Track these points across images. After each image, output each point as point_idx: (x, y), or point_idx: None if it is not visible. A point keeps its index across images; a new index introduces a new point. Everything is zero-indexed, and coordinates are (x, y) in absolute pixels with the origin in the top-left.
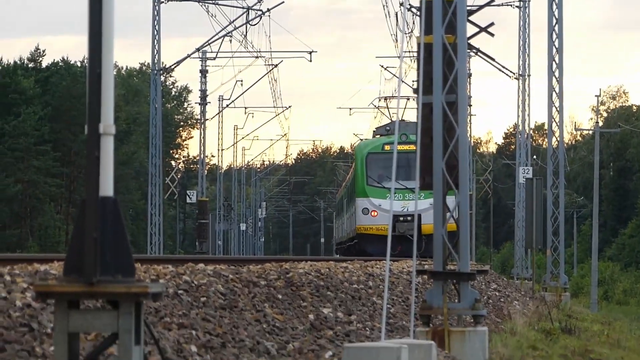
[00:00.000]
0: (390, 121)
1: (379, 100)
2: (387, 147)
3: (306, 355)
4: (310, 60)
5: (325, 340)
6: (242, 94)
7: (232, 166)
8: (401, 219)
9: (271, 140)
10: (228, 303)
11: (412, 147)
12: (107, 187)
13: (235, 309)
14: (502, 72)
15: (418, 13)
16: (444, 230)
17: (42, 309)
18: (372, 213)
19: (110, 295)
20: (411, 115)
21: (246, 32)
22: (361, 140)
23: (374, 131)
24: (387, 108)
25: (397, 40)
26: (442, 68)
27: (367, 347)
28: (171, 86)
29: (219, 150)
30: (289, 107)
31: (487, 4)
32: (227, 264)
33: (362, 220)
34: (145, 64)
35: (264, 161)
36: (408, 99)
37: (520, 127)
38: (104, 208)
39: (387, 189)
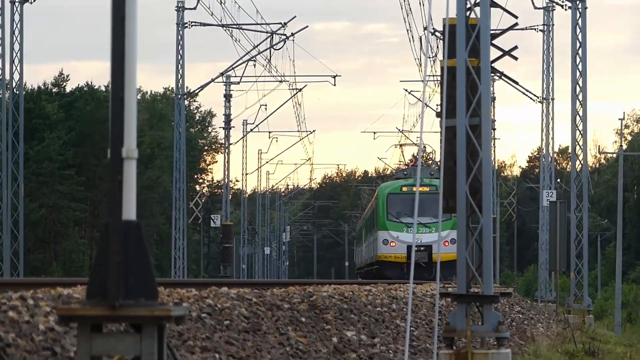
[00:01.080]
0: (406, 167)
1: (397, 146)
2: (404, 189)
3: None
4: (334, 85)
5: None
6: (266, 118)
7: (257, 190)
8: (415, 249)
9: (295, 164)
10: (251, 326)
11: (426, 188)
12: (130, 211)
13: (258, 332)
14: (526, 95)
15: (442, 37)
16: (468, 253)
17: (65, 333)
18: (391, 244)
19: (133, 318)
20: (435, 138)
21: (270, 57)
22: (383, 181)
23: (393, 175)
24: (402, 153)
25: (421, 65)
26: (465, 91)
27: None
28: (195, 111)
29: (243, 174)
30: (313, 131)
31: (511, 28)
32: (250, 288)
33: (382, 249)
34: (170, 88)
35: (288, 185)
36: (420, 148)
37: (544, 151)
38: (127, 232)
39: (404, 224)
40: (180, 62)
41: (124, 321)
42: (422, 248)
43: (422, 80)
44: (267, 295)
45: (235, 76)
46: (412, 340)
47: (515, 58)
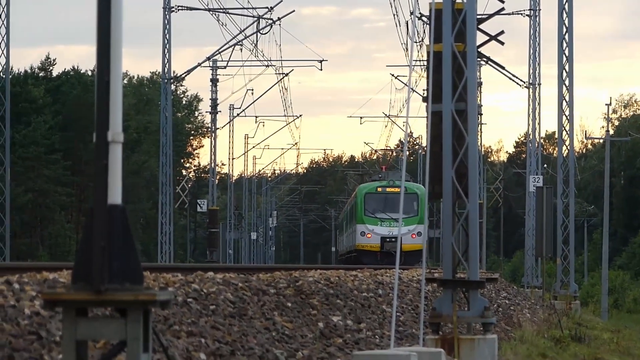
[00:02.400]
0: (381, 171)
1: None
2: (379, 189)
3: None
4: (321, 69)
5: (334, 348)
6: (253, 102)
7: (243, 175)
8: (387, 240)
9: (282, 149)
10: (237, 311)
11: (398, 189)
12: (115, 195)
13: (244, 317)
14: (513, 80)
15: (428, 22)
16: (454, 239)
17: (51, 317)
18: (367, 235)
19: (118, 303)
20: (421, 123)
21: (257, 41)
22: (364, 180)
23: (371, 178)
24: (378, 157)
25: (407, 49)
26: (451, 76)
27: (376, 354)
28: (182, 95)
29: (229, 159)
30: (300, 116)
31: (497, 13)
32: (236, 273)
33: (360, 240)
34: (156, 72)
35: (274, 170)
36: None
37: (531, 136)
38: (112, 216)
39: (378, 219)
40: (167, 46)
41: (108, 305)
42: (393, 239)
43: (409, 65)
44: (253, 280)
45: (222, 60)
46: (398, 326)
47: (502, 43)
